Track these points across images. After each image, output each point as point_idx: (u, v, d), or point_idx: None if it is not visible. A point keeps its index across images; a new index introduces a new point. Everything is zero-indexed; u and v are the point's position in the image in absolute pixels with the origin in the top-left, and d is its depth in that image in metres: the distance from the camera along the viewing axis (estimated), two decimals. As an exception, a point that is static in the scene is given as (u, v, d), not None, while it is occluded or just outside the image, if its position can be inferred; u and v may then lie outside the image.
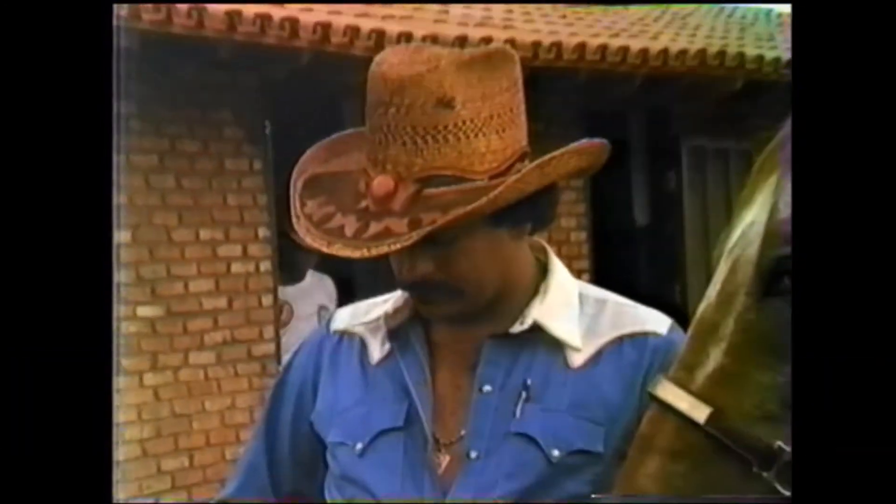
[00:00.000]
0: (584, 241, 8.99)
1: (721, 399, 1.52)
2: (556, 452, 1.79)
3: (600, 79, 8.26)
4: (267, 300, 7.26)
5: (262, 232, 7.28)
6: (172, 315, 6.91)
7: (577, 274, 7.47)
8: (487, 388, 1.83)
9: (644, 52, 8.28)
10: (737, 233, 1.60)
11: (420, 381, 1.86)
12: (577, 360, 1.84)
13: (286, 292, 6.91)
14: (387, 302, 1.96)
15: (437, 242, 1.75)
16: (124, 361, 6.68)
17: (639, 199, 9.94)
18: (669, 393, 1.56)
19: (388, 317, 1.92)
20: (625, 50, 8.19)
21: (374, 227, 1.74)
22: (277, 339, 7.18)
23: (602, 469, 1.77)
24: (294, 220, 1.83)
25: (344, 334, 1.97)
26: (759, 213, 1.57)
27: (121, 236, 6.71)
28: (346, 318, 2.00)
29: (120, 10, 5.73)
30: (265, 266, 7.27)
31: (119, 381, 6.58)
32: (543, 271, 1.91)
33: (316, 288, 6.75)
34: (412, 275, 1.81)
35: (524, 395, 1.81)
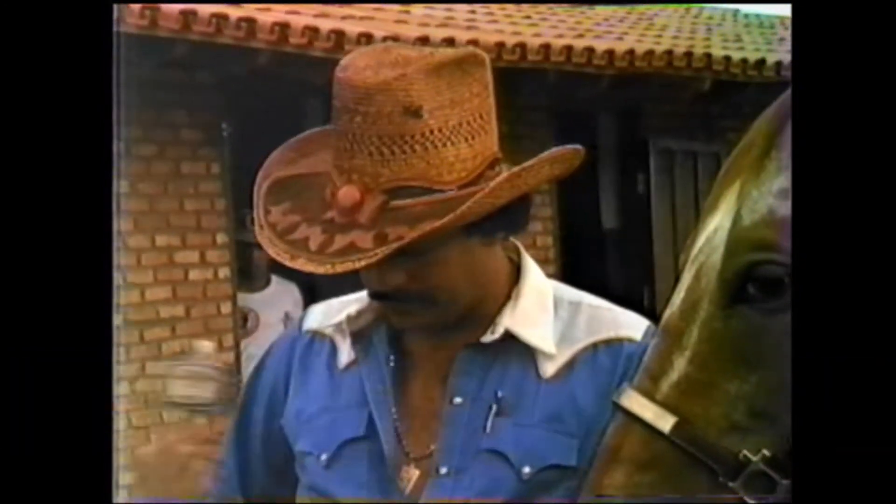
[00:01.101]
0: (552, 246, 8.92)
1: (686, 408, 1.52)
2: (526, 469, 1.76)
3: (568, 79, 8.16)
4: (226, 308, 7.15)
5: (221, 238, 7.17)
6: (129, 324, 6.76)
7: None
8: (458, 400, 1.79)
9: (610, 52, 8.21)
10: (701, 239, 1.60)
11: (378, 390, 1.82)
12: (549, 369, 1.80)
13: (251, 300, 6.83)
14: (360, 300, 1.91)
15: (406, 254, 1.71)
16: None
17: (606, 203, 9.87)
18: (634, 402, 1.55)
19: (350, 319, 1.87)
20: (590, 51, 8.13)
21: (340, 241, 1.70)
22: (237, 349, 7.05)
23: (576, 483, 1.73)
24: (258, 229, 1.78)
25: (315, 335, 1.93)
26: (722, 219, 1.57)
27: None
28: (319, 317, 1.96)
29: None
30: (223, 273, 7.16)
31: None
32: (517, 272, 1.86)
33: (282, 295, 6.69)
34: (382, 286, 1.77)
35: (495, 407, 1.78)
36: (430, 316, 1.78)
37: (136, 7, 6.12)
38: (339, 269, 1.67)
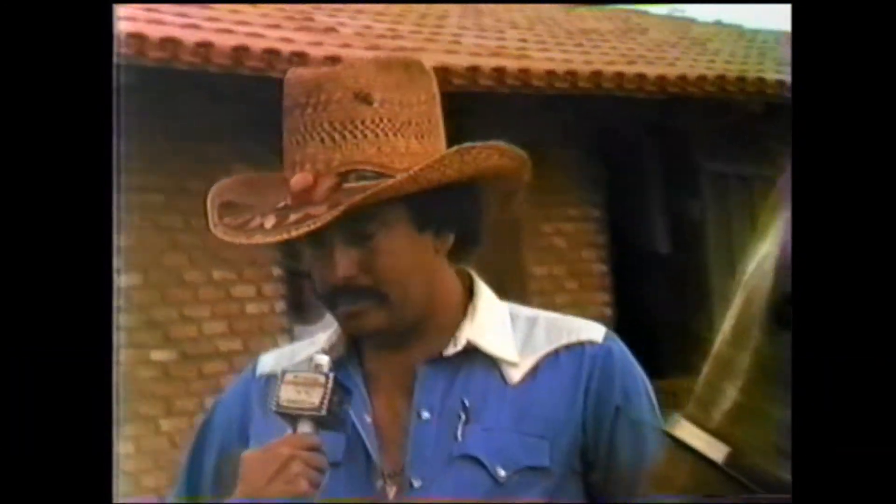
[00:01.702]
0: (606, 274, 8.86)
1: (738, 437, 1.50)
2: (502, 472, 1.75)
3: (617, 104, 8.14)
4: (283, 341, 7.13)
5: (276, 271, 7.17)
6: (186, 358, 6.79)
7: (600, 307, 7.31)
8: (426, 414, 1.78)
9: (662, 78, 8.17)
10: (751, 265, 1.58)
11: (362, 413, 1.80)
12: (514, 375, 1.80)
13: (308, 332, 6.79)
14: (313, 344, 1.91)
15: (357, 237, 1.73)
16: (139, 407, 6.56)
17: (660, 228, 9.80)
18: (686, 431, 1.53)
19: (324, 352, 1.84)
20: (641, 77, 8.10)
21: (294, 216, 1.71)
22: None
23: (552, 483, 1.76)
24: (212, 227, 1.80)
25: (270, 377, 1.88)
26: (771, 245, 1.55)
27: (130, 279, 6.61)
28: (272, 362, 1.93)
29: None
30: (280, 306, 7.17)
31: (134, 428, 6.46)
32: (469, 295, 1.87)
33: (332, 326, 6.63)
34: (334, 276, 1.75)
35: (463, 416, 1.78)
36: (384, 316, 1.77)
37: (190, 42, 6.17)
38: (295, 233, 1.68)
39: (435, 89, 1.81)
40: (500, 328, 1.84)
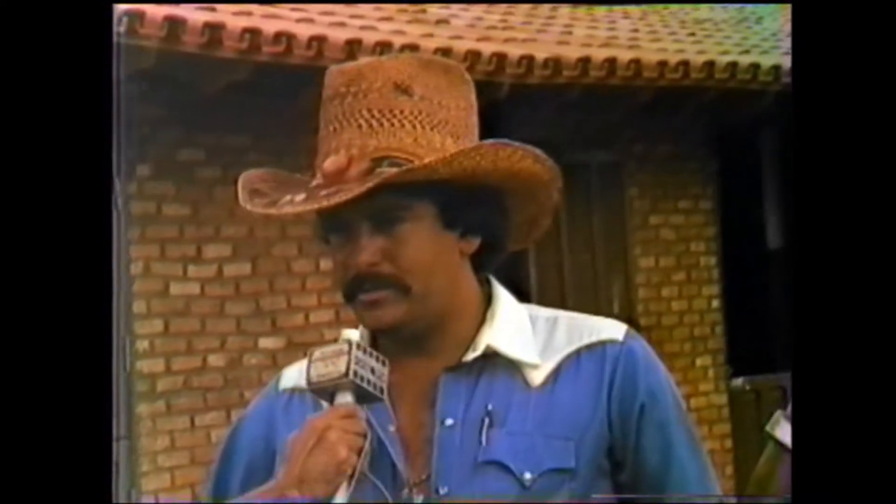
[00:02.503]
0: (715, 266, 8.76)
1: None
2: (528, 476, 1.74)
3: (731, 96, 8.03)
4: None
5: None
6: (293, 346, 6.86)
7: (708, 300, 7.22)
8: (450, 421, 1.78)
9: (777, 68, 8.03)
10: None
11: (386, 424, 1.79)
12: (536, 378, 1.80)
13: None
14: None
15: (384, 225, 1.73)
16: (246, 393, 6.65)
17: (772, 222, 9.66)
18: (787, 433, 1.54)
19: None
20: (755, 66, 7.96)
21: (325, 192, 1.72)
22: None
23: (578, 484, 1.75)
24: (242, 203, 1.80)
25: (294, 392, 1.88)
26: None
27: (240, 268, 6.69)
28: (295, 376, 1.90)
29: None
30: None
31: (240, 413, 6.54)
32: (488, 301, 1.86)
33: None
34: (358, 262, 1.74)
35: (487, 421, 1.77)
36: (403, 310, 1.76)
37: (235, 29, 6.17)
38: (325, 203, 1.69)
39: (473, 99, 1.82)
40: (519, 331, 1.83)
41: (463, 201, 1.75)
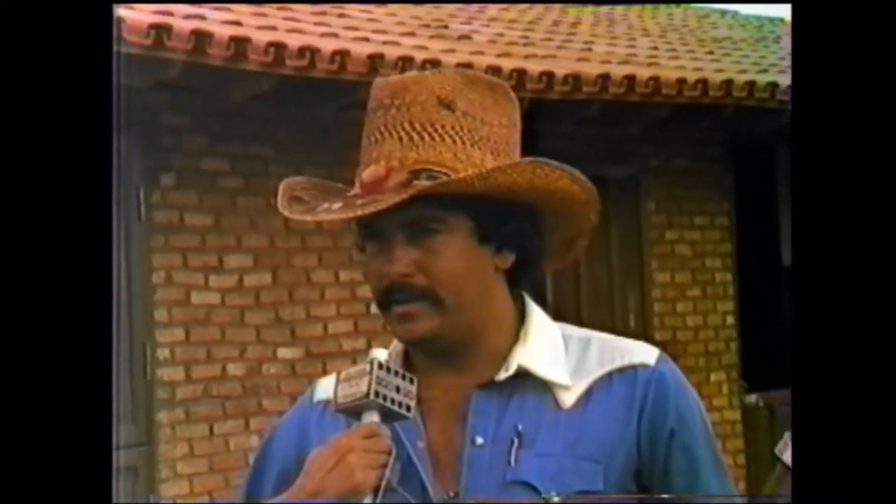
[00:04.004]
0: (730, 282, 8.78)
1: None
2: (556, 498, 1.73)
3: (747, 114, 8.07)
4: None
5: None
6: (312, 356, 6.90)
7: (723, 316, 7.22)
8: (480, 440, 1.77)
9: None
10: None
11: (415, 439, 1.79)
12: (567, 399, 1.79)
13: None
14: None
15: (419, 237, 1.74)
16: (265, 402, 6.70)
17: (788, 238, 9.67)
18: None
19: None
20: (774, 86, 8.01)
21: (362, 201, 1.73)
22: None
23: None
24: (280, 209, 1.83)
25: (327, 404, 1.86)
26: None
27: (261, 279, 6.74)
28: (329, 388, 1.87)
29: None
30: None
31: (257, 423, 6.58)
32: (521, 318, 1.86)
33: None
34: (391, 272, 1.75)
35: (517, 441, 1.76)
36: (435, 323, 1.76)
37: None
38: (361, 211, 1.70)
39: (517, 117, 1.82)
40: (552, 351, 1.82)
41: (499, 217, 1.76)
